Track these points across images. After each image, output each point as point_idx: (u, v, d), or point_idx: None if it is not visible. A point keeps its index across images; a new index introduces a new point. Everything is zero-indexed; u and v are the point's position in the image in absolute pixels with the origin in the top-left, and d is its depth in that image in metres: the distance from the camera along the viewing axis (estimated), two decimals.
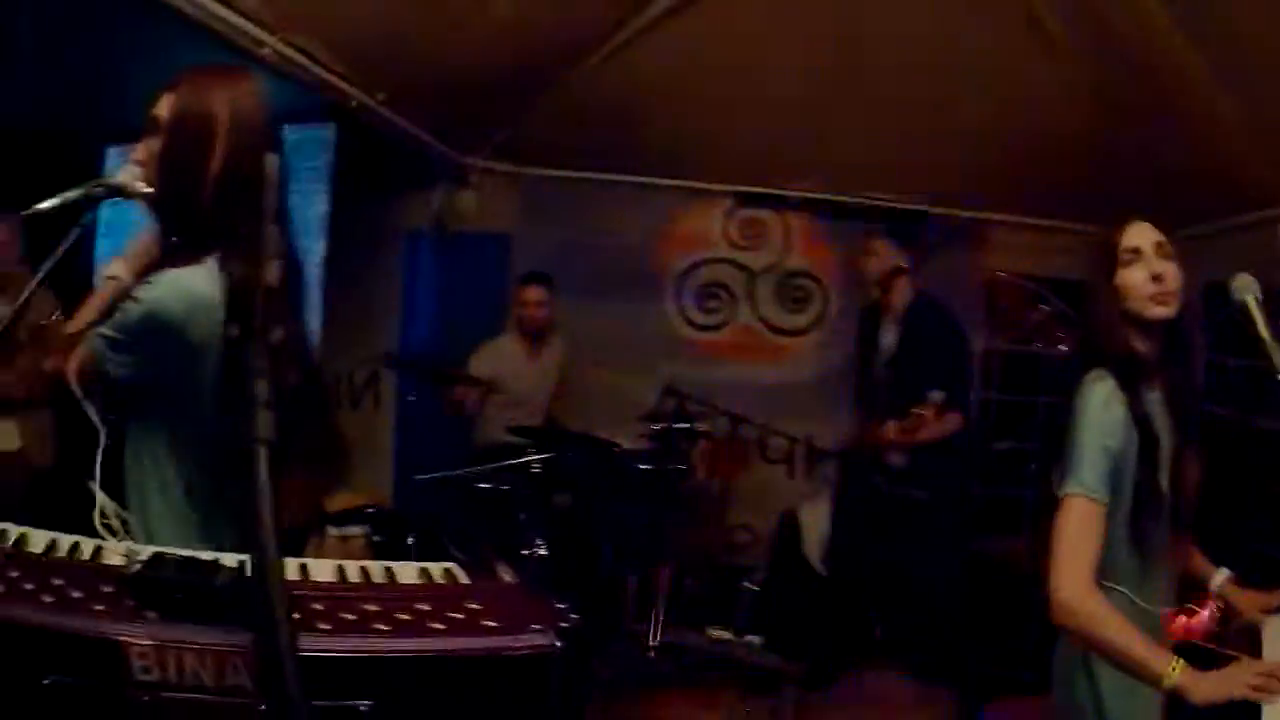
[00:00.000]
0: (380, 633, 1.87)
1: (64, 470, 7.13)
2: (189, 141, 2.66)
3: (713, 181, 8.60)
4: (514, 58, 6.74)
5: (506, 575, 2.23)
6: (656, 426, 7.42)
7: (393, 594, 2.06)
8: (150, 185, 2.68)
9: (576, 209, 8.72)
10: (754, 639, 7.20)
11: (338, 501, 6.71)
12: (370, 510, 6.69)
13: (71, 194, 2.58)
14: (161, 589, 1.87)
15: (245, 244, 1.97)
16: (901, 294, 6.64)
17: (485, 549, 2.20)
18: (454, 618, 1.96)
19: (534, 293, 7.67)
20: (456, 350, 8.44)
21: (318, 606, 1.91)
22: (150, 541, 2.51)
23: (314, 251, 7.34)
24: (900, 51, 6.45)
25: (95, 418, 2.62)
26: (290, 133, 8.52)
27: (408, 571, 2.23)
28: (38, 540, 2.26)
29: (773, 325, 8.75)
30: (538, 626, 1.96)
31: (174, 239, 2.70)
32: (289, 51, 5.99)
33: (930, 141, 7.22)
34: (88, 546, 2.27)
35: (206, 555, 2.10)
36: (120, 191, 2.66)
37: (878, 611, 6.79)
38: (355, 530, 6.53)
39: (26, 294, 2.58)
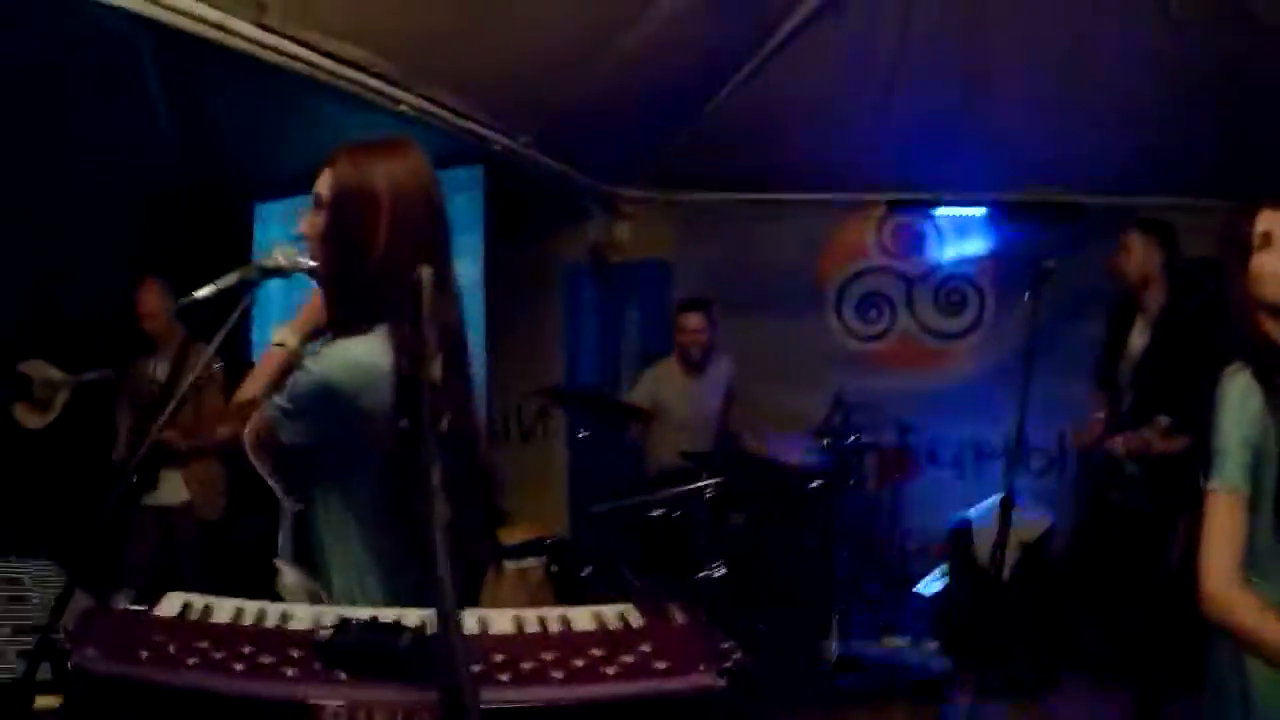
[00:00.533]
0: (557, 681, 1.90)
1: (232, 522, 7.38)
2: (352, 219, 2.72)
3: (864, 191, 8.54)
4: (653, 87, 6.81)
5: (678, 615, 2.26)
6: (826, 441, 7.41)
7: (568, 641, 2.10)
8: (314, 259, 2.79)
9: (732, 230, 8.79)
10: (930, 645, 7.20)
11: (515, 534, 6.82)
12: (546, 542, 6.78)
13: (227, 280, 2.70)
14: (350, 651, 1.94)
15: (411, 327, 2.03)
16: (1157, 295, 6.35)
17: (657, 587, 2.23)
18: (626, 662, 1.98)
19: (693, 320, 7.66)
20: (623, 378, 8.56)
21: (498, 658, 1.96)
22: (333, 600, 2.66)
23: (473, 290, 7.43)
24: (1032, 46, 6.43)
25: (278, 489, 2.73)
26: (442, 176, 8.76)
27: (583, 617, 2.27)
28: (223, 609, 2.28)
29: (932, 330, 8.71)
30: (702, 667, 1.97)
31: (341, 312, 2.77)
32: (427, 105, 6.13)
33: (1074, 133, 7.16)
34: (273, 612, 2.29)
35: (389, 615, 2.18)
36: (277, 273, 2.77)
37: (1077, 617, 6.70)
38: (532, 562, 6.63)
39: (201, 363, 2.66)
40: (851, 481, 7.50)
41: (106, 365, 7.40)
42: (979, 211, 8.41)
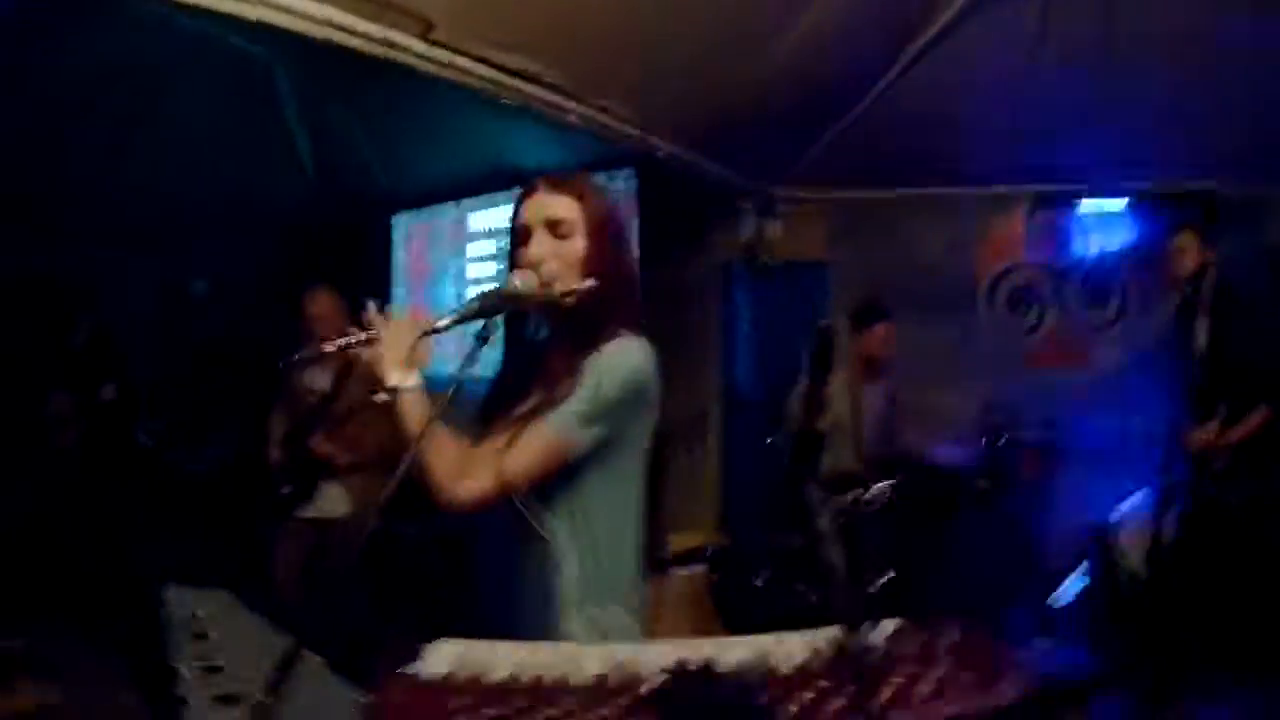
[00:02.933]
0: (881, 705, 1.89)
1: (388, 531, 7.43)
2: (613, 243, 2.98)
3: (1013, 185, 8.48)
4: (805, 87, 6.80)
5: (956, 632, 2.23)
6: (982, 440, 7.40)
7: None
8: (554, 283, 2.83)
9: (885, 228, 8.76)
10: (1073, 646, 7.11)
11: (675, 542, 6.80)
12: (709, 550, 6.78)
13: (469, 308, 2.70)
14: (691, 708, 1.90)
15: (814, 382, 2.04)
16: (1209, 287, 6.34)
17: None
18: (938, 680, 1.96)
19: (882, 330, 7.56)
20: (781, 379, 8.54)
21: (823, 684, 1.95)
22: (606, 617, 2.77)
23: None
24: (1161, 40, 6.33)
25: (536, 521, 2.78)
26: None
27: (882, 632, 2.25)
28: (497, 659, 2.19)
29: (1079, 324, 8.57)
30: (1006, 680, 1.94)
31: (598, 328, 2.86)
32: (593, 114, 6.16)
33: (1204, 121, 7.04)
34: (561, 656, 2.18)
35: (695, 658, 2.15)
36: (515, 301, 2.80)
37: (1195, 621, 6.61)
38: (695, 569, 6.63)
39: (441, 407, 2.64)
40: (1010, 482, 7.41)
41: (261, 377, 7.45)
42: (1120, 203, 8.34)
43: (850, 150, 7.96)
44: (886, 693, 1.94)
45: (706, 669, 2.02)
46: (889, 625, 2.31)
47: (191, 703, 2.72)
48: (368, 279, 11.23)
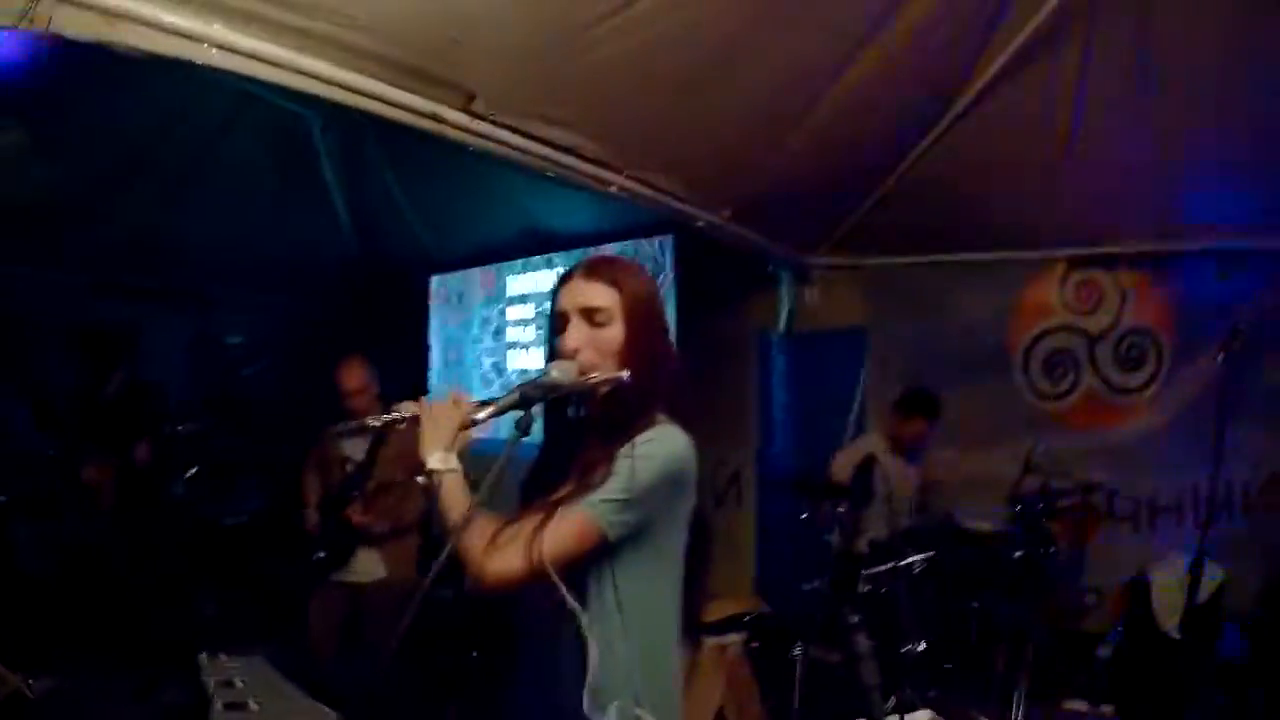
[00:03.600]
0: None
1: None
2: (652, 330, 3.01)
3: (1048, 249, 8.45)
4: (842, 156, 6.84)
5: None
6: (1018, 507, 7.37)
7: None
8: (586, 373, 2.87)
9: (924, 295, 8.78)
10: (1107, 709, 7.10)
11: (713, 610, 6.80)
12: (746, 617, 6.78)
13: (508, 399, 2.76)
14: None
15: (850, 509, 2.07)
16: None
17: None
18: None
19: (918, 425, 7.71)
20: (816, 447, 8.54)
21: None
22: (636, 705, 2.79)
23: None
24: (1205, 100, 6.30)
25: (570, 599, 2.77)
26: (631, 246, 8.89)
27: None
28: None
29: (1114, 386, 8.48)
30: None
31: (636, 412, 2.90)
32: (633, 185, 6.21)
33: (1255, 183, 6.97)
34: None
35: None
36: (554, 391, 2.82)
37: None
38: (732, 638, 6.62)
39: (485, 490, 2.67)
40: (1049, 549, 7.36)
41: (296, 441, 7.49)
42: (1157, 263, 8.24)
43: (886, 217, 8.00)
44: None
45: None
46: (922, 715, 2.35)
47: None
48: (404, 339, 11.32)
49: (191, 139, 7.90)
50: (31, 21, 3.42)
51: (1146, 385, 8.36)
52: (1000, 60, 6.14)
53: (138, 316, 9.84)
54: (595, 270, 3.02)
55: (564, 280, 3.05)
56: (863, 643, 1.70)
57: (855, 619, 1.75)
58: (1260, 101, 6.19)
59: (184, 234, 9.32)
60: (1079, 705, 7.22)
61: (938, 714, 2.25)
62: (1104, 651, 7.43)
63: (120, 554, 8.56)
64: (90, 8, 3.57)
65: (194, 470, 9.32)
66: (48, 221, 8.43)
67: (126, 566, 8.52)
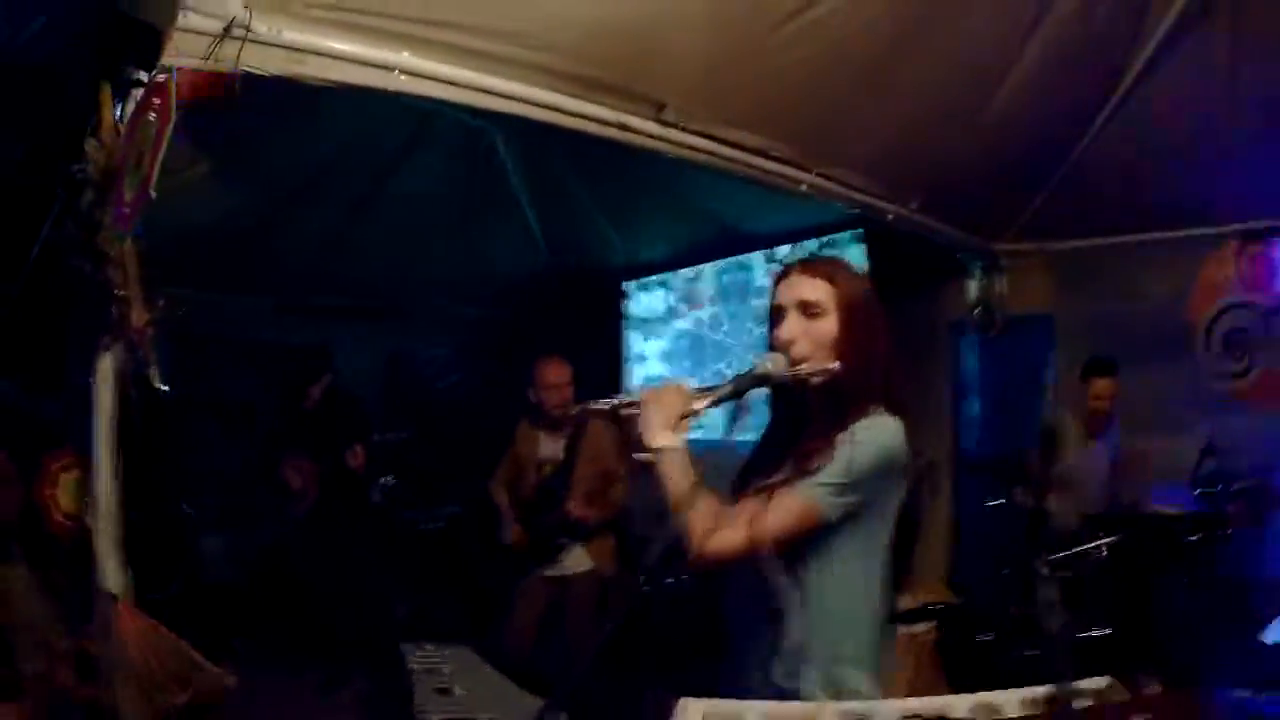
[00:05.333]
0: None
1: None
2: (867, 326, 3.13)
3: (1225, 224, 8.23)
4: (1021, 142, 6.88)
5: (1156, 685, 2.36)
6: (1198, 491, 7.29)
7: (1091, 713, 2.21)
8: (798, 363, 3.00)
9: (1109, 277, 8.69)
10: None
11: (904, 599, 6.85)
12: (938, 606, 6.83)
13: (724, 390, 2.89)
14: None
15: (1042, 466, 2.17)
16: None
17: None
18: None
19: (1102, 384, 7.70)
20: (1009, 435, 8.59)
21: None
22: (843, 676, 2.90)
23: None
24: None
25: (782, 575, 2.90)
26: (826, 243, 8.89)
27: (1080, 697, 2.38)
28: (752, 714, 2.43)
29: None
30: None
31: (850, 405, 3.01)
32: (823, 183, 6.33)
33: None
34: (802, 712, 2.45)
35: (937, 707, 2.34)
36: (765, 381, 2.96)
37: None
38: (923, 626, 6.67)
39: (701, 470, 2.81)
40: (1228, 530, 7.32)
41: (491, 449, 7.74)
42: None
43: (1066, 201, 7.99)
44: None
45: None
46: (1099, 681, 2.46)
47: None
48: (600, 344, 11.55)
49: (373, 158, 8.14)
50: (219, 61, 3.60)
51: None
52: (1160, 31, 6.10)
53: (331, 333, 10.15)
54: (812, 266, 3.17)
55: (782, 275, 3.19)
56: (1048, 593, 1.83)
57: (1046, 570, 1.88)
58: None
59: (371, 252, 9.58)
60: (1245, 692, 7.15)
61: (1114, 680, 2.33)
62: (1273, 638, 7.33)
63: (315, 557, 8.87)
64: (276, 45, 3.78)
65: (390, 477, 9.56)
66: (236, 247, 8.73)
67: (321, 570, 8.80)
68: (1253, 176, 7.50)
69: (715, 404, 2.91)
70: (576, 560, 7.16)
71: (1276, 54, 6.17)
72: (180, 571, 8.40)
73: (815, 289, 3.08)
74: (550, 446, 7.19)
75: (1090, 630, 6.34)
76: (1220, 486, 7.29)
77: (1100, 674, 2.42)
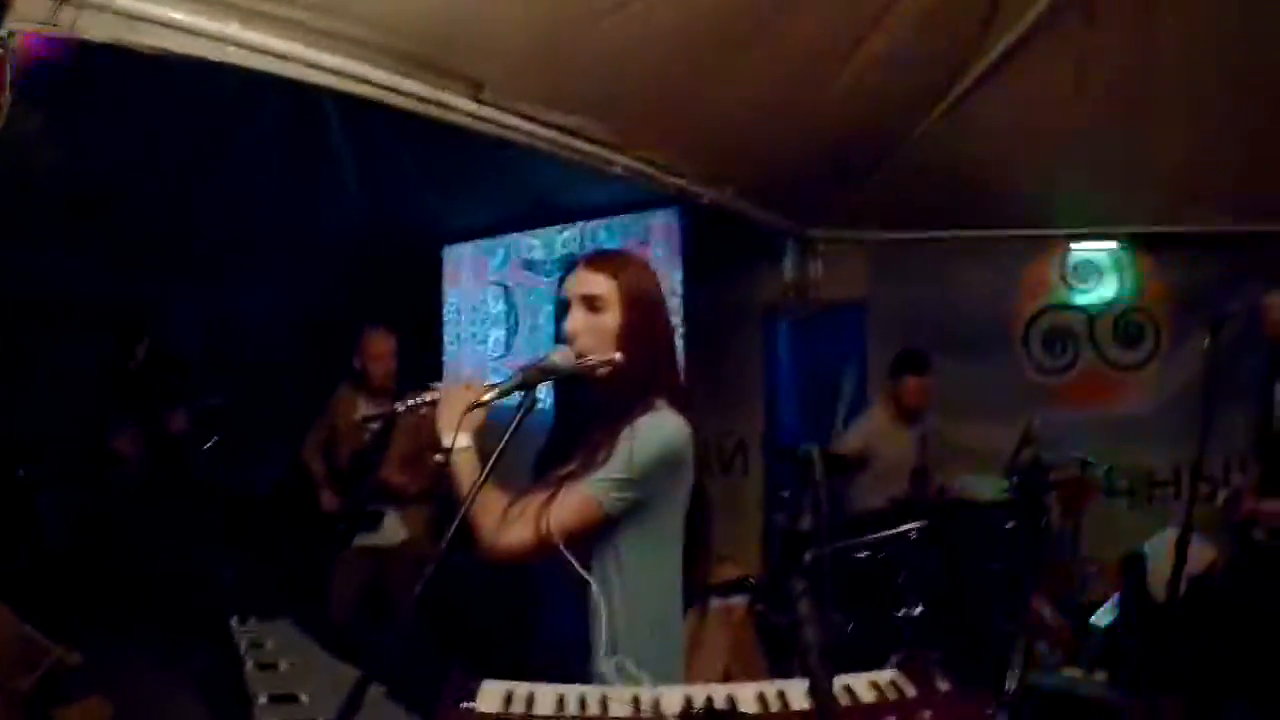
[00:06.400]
0: None
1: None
2: (647, 319, 3.17)
3: (1048, 227, 8.57)
4: (847, 133, 6.92)
5: (942, 680, 2.44)
6: (1015, 478, 7.44)
7: (866, 712, 2.30)
8: (583, 356, 3.06)
9: (926, 269, 8.88)
10: (1100, 676, 7.21)
11: (719, 572, 6.94)
12: (751, 581, 6.93)
13: (510, 383, 2.94)
14: None
15: (811, 493, 2.22)
16: None
17: (921, 655, 2.37)
18: None
19: (915, 383, 7.84)
20: (821, 417, 8.79)
21: None
22: (634, 664, 2.94)
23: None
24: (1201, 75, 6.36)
25: (580, 569, 2.95)
26: (639, 219, 8.93)
27: (862, 687, 2.46)
28: (544, 698, 2.52)
29: (1113, 363, 8.66)
30: None
31: (632, 396, 3.07)
32: (637, 165, 6.38)
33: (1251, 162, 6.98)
34: (593, 697, 2.50)
35: (719, 697, 2.43)
36: (553, 374, 3.03)
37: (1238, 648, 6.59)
38: (738, 600, 6.77)
39: (489, 466, 2.82)
40: (1043, 520, 7.57)
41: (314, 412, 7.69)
42: (1156, 243, 8.38)
43: (890, 193, 8.08)
44: None
45: (709, 710, 2.26)
46: (885, 674, 2.54)
47: None
48: (417, 311, 11.45)
49: (202, 116, 7.92)
50: (56, 26, 3.58)
51: (1145, 362, 8.55)
52: (1002, 44, 6.22)
53: (156, 294, 10.02)
54: (596, 262, 3.23)
55: (569, 269, 3.26)
56: (804, 608, 1.89)
57: (800, 586, 1.93)
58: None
59: (199, 212, 9.46)
60: (1074, 673, 7.35)
61: (902, 674, 2.41)
62: (1099, 620, 7.52)
63: (144, 524, 8.77)
64: (111, 11, 3.75)
65: (214, 440, 9.47)
66: (66, 206, 8.58)
67: (150, 536, 8.72)
68: (1082, 185, 7.78)
69: (501, 396, 2.96)
70: (393, 531, 7.19)
71: (1121, 70, 6.32)
72: (29, 540, 8.39)
73: (598, 284, 3.14)
74: (368, 409, 7.13)
75: (903, 610, 6.49)
76: (1037, 476, 7.49)
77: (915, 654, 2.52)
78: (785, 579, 2.02)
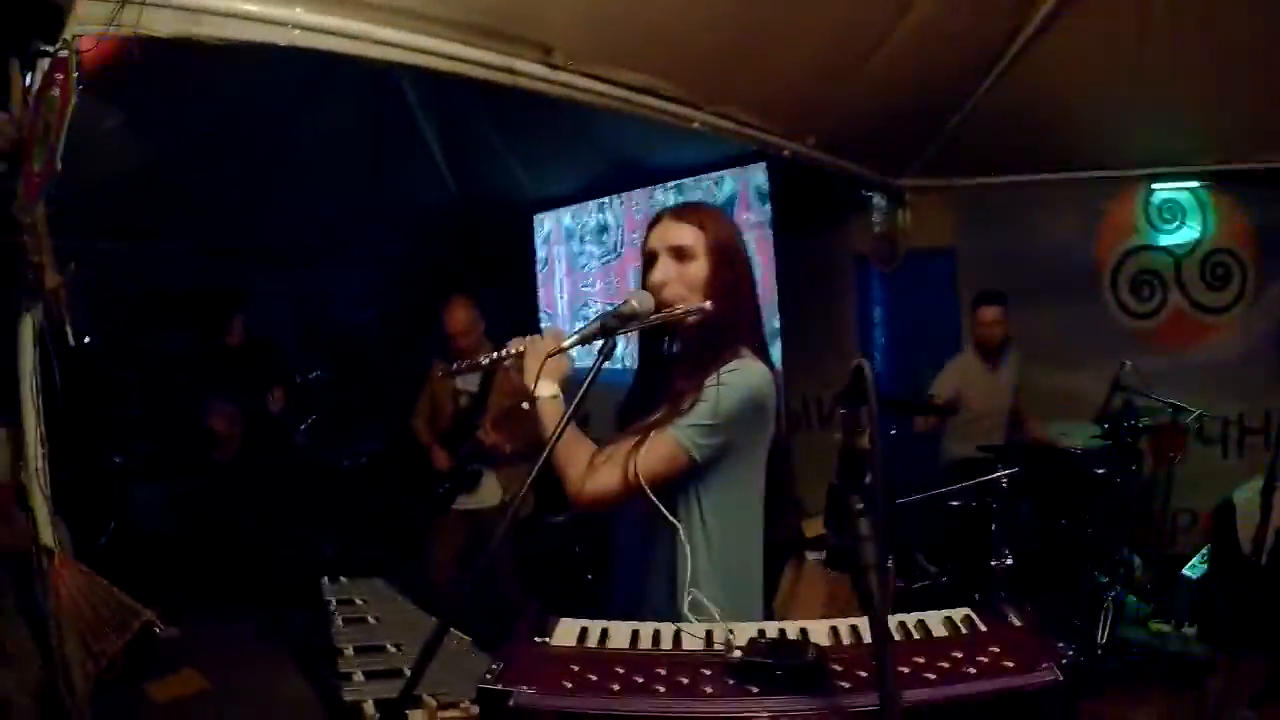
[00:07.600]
0: (930, 682, 2.09)
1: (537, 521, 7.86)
2: (734, 269, 3.22)
3: (1130, 168, 8.44)
4: (922, 79, 6.92)
5: (1015, 617, 2.48)
6: (1105, 425, 7.34)
7: (934, 646, 2.33)
8: (667, 305, 3.10)
9: (1011, 214, 8.85)
10: (1189, 631, 7.19)
11: (815, 526, 7.01)
12: None
13: (589, 328, 2.93)
14: (765, 668, 2.15)
15: (857, 408, 2.23)
16: None
17: (999, 596, 2.40)
18: (981, 662, 2.18)
19: (990, 313, 7.85)
20: (913, 366, 8.78)
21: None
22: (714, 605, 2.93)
23: (764, 284, 7.72)
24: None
25: (666, 514, 2.97)
26: (731, 176, 9.10)
27: (936, 623, 2.50)
28: (619, 633, 2.56)
29: (1200, 305, 8.54)
30: (1045, 664, 2.13)
31: (718, 344, 3.12)
32: (715, 120, 6.40)
33: None
34: (666, 633, 2.53)
35: (791, 630, 2.46)
36: (633, 319, 3.00)
37: None
38: None
39: (572, 407, 2.80)
40: (1133, 467, 7.48)
41: (409, 384, 7.82)
42: (1241, 181, 8.16)
43: (972, 139, 8.06)
44: (945, 664, 2.21)
45: (775, 640, 2.32)
46: (960, 612, 2.59)
47: (354, 679, 3.06)
48: (511, 278, 11.61)
49: (281, 100, 8.00)
50: (119, 26, 3.66)
51: (1232, 305, 8.43)
52: None
53: (248, 277, 10.17)
54: (682, 213, 3.27)
55: (654, 222, 3.30)
56: (864, 527, 1.93)
57: (860, 505, 1.97)
58: None
59: (283, 194, 9.50)
60: (1164, 626, 7.33)
61: (976, 612, 2.45)
62: (1189, 573, 7.49)
63: (244, 502, 8.99)
64: (173, 6, 3.84)
65: (312, 418, 9.62)
66: (150, 197, 8.65)
67: (250, 515, 8.94)
68: (1158, 125, 7.63)
69: (582, 343, 2.97)
70: (490, 493, 7.27)
71: (1185, 12, 6.26)
72: (109, 524, 8.45)
73: (686, 234, 3.18)
74: (467, 380, 7.27)
75: (997, 560, 6.52)
76: (1128, 424, 7.36)
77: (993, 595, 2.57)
78: (844, 497, 2.06)
